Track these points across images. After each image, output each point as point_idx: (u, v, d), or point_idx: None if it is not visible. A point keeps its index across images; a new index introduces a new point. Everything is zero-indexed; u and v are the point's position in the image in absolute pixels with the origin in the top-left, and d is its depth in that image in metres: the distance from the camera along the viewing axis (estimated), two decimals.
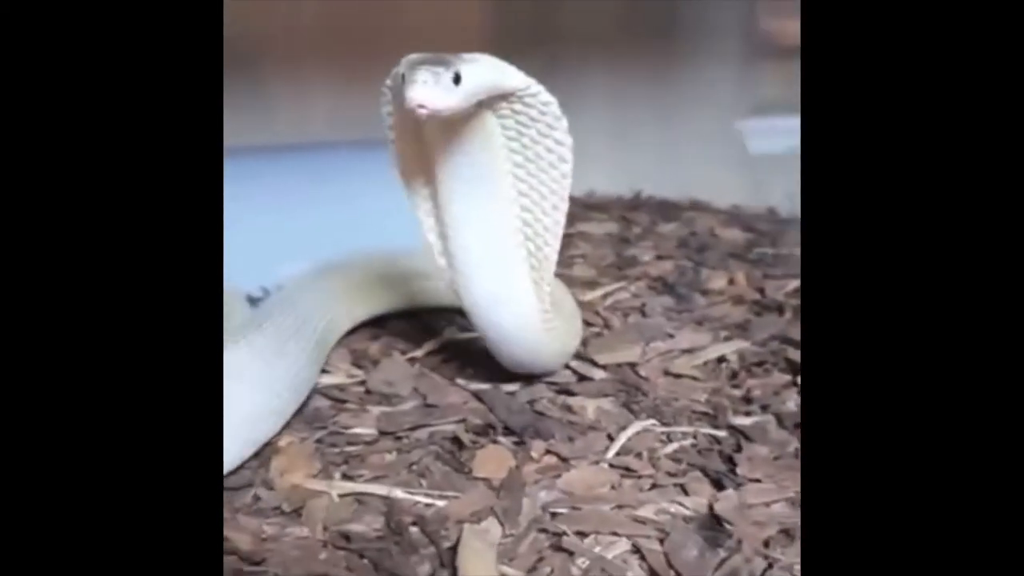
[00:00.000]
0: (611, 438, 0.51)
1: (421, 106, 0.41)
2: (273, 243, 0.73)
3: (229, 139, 0.84)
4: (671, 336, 0.64)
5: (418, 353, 0.63)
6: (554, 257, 0.51)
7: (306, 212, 0.76)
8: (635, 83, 1.13)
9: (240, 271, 0.66)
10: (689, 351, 0.62)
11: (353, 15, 0.95)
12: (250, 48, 0.95)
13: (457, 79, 0.41)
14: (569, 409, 0.54)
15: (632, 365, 0.60)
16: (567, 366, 0.59)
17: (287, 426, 0.51)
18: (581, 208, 1.03)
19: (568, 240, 0.91)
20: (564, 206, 0.50)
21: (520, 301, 0.51)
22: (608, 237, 0.92)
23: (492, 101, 0.47)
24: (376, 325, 0.69)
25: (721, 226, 0.94)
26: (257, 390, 0.48)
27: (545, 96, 0.48)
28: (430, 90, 0.40)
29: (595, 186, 1.09)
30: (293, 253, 0.70)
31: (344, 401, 0.55)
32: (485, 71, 0.44)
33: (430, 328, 0.67)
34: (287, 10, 0.95)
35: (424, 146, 0.49)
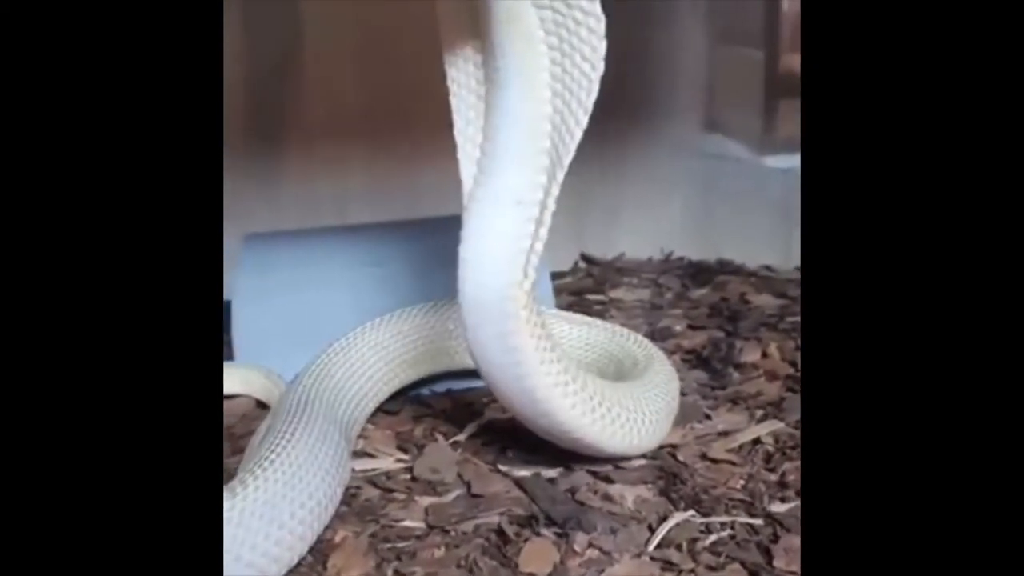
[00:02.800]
0: (651, 529, 0.52)
1: None
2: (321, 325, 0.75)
3: (273, 224, 0.88)
4: (708, 417, 0.66)
5: (461, 437, 0.65)
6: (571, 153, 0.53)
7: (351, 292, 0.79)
8: (659, 144, 1.15)
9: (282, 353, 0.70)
10: (725, 433, 0.63)
11: (387, 97, 0.99)
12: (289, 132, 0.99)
13: None
14: (609, 498, 0.56)
15: (672, 448, 0.61)
16: None
17: (341, 518, 0.54)
18: (612, 272, 1.06)
19: (602, 308, 0.94)
20: (592, 98, 0.52)
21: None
22: (639, 304, 0.94)
23: None
24: (420, 403, 0.71)
25: (753, 291, 0.96)
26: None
27: None
28: None
29: (624, 248, 1.11)
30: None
31: (392, 491, 0.58)
32: None
33: (472, 407, 0.70)
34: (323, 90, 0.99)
35: (471, 30, 0.53)
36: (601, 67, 0.51)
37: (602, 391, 0.56)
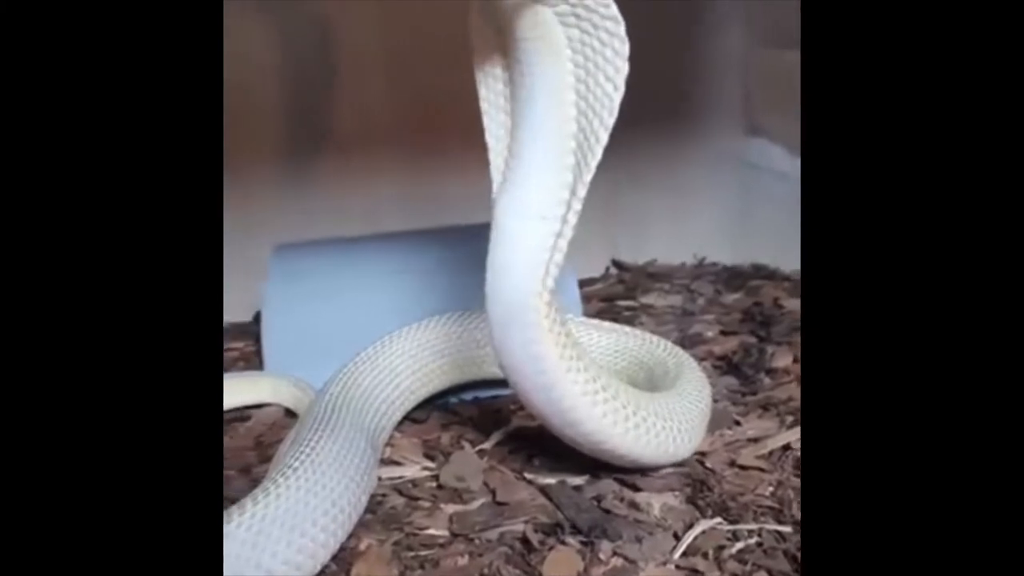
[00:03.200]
0: (677, 537, 0.52)
1: None
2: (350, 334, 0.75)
3: (303, 234, 0.89)
4: (738, 423, 0.65)
5: (487, 445, 0.65)
6: (586, 181, 0.53)
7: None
8: (693, 148, 1.14)
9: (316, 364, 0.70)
10: (755, 440, 0.62)
11: (417, 107, 1.00)
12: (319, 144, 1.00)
13: None
14: (635, 506, 0.55)
15: (701, 455, 0.61)
16: None
17: (366, 526, 0.54)
18: (644, 277, 1.05)
19: (632, 314, 0.93)
20: (612, 119, 0.53)
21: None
22: (671, 310, 0.93)
23: None
24: (447, 411, 0.71)
25: (786, 296, 0.94)
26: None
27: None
28: None
29: (656, 254, 1.11)
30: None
31: (417, 499, 0.58)
32: None
33: (500, 415, 0.70)
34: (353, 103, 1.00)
35: (501, 48, 0.55)
36: (622, 89, 0.52)
37: (635, 400, 0.56)
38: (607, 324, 0.74)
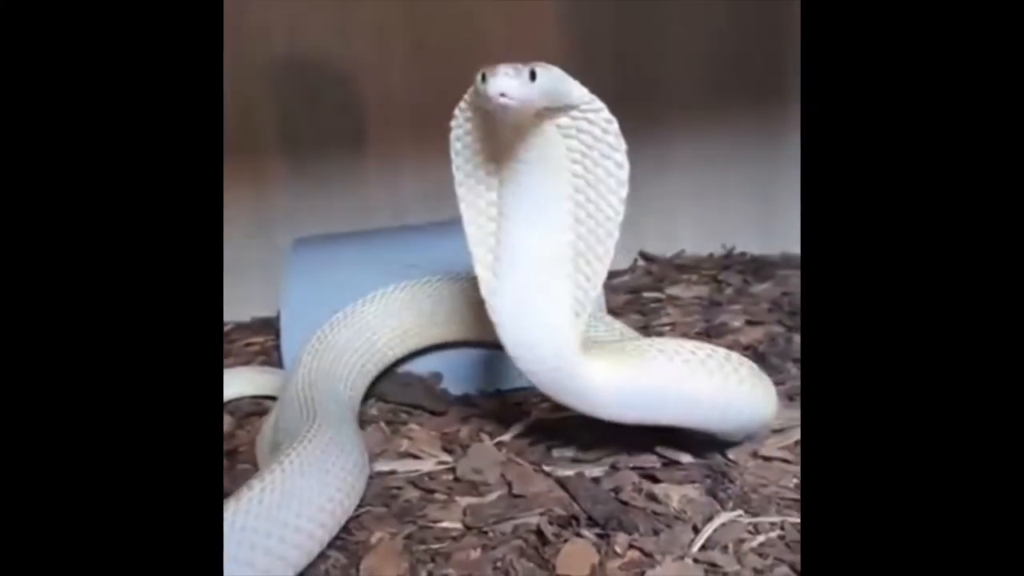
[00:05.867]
0: (696, 530, 0.50)
1: (503, 95, 0.45)
2: None
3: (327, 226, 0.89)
4: None
5: (506, 437, 0.64)
6: (598, 288, 0.54)
7: None
8: (723, 135, 1.12)
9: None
10: (780, 431, 0.61)
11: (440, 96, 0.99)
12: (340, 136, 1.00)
13: (533, 76, 0.46)
14: (653, 498, 0.54)
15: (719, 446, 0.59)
16: (654, 450, 0.59)
17: (379, 520, 0.53)
18: (671, 269, 1.03)
19: (658, 306, 0.91)
20: (614, 237, 0.53)
21: (556, 327, 0.53)
22: (697, 301, 0.91)
23: (558, 112, 0.51)
24: (467, 404, 0.70)
25: None
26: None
27: (607, 114, 0.52)
28: (511, 81, 0.45)
29: (685, 245, 1.09)
30: None
31: (433, 491, 0.57)
32: (555, 74, 0.49)
33: (521, 407, 0.69)
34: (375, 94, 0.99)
35: (494, 158, 0.54)
36: (622, 210, 0.53)
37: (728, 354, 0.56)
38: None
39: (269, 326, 0.89)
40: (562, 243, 0.53)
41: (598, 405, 0.54)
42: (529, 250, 0.54)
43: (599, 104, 0.51)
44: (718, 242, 1.09)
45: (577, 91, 0.51)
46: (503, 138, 0.52)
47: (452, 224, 0.88)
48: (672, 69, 1.09)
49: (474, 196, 0.55)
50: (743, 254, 1.07)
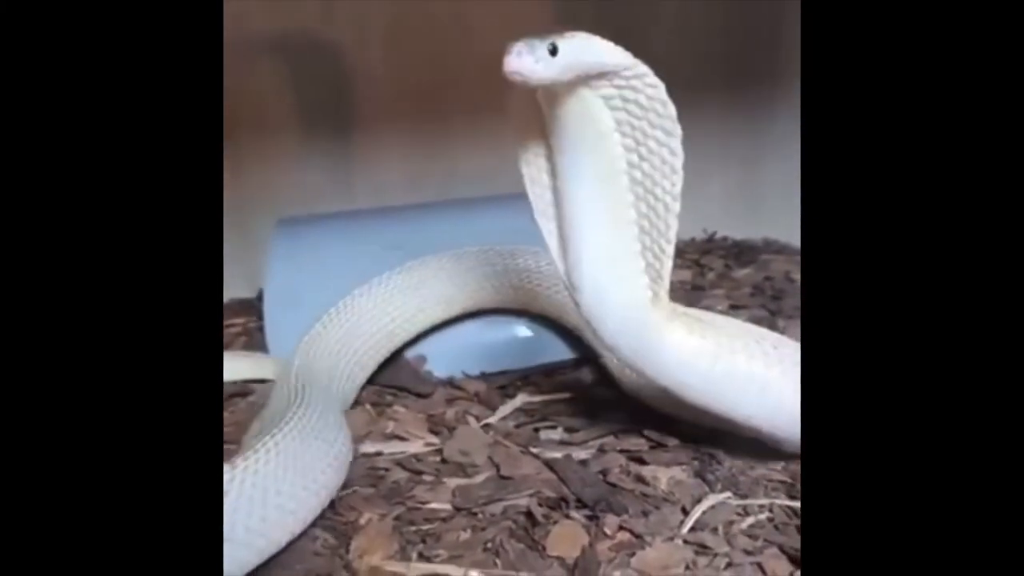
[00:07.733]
0: (685, 511, 0.50)
1: (515, 73, 0.43)
2: None
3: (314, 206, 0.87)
4: None
5: (493, 419, 0.64)
6: (669, 262, 0.52)
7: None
8: (705, 121, 1.12)
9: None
10: None
11: (425, 77, 0.98)
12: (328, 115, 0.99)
13: (554, 50, 0.43)
14: (642, 480, 0.54)
15: (709, 430, 0.59)
16: (642, 433, 0.59)
17: (367, 501, 0.53)
18: None
19: None
20: (677, 204, 0.50)
21: (630, 293, 0.52)
22: (680, 286, 0.91)
23: (593, 80, 0.47)
24: (453, 386, 0.70)
25: (798, 270, 0.93)
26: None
27: (652, 79, 0.47)
28: (524, 59, 0.42)
29: None
30: None
31: (421, 472, 0.57)
32: (583, 44, 0.45)
33: (506, 390, 0.69)
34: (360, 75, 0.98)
35: (543, 129, 0.51)
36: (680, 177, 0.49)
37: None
38: None
39: (250, 307, 0.88)
40: (626, 220, 0.51)
41: (682, 384, 0.52)
42: (594, 228, 0.51)
43: (643, 68, 0.47)
44: (700, 227, 1.09)
45: (611, 57, 0.46)
46: (546, 111, 0.49)
47: (434, 206, 0.89)
48: (654, 55, 1.09)
49: (535, 170, 0.52)
50: (725, 239, 1.07)
